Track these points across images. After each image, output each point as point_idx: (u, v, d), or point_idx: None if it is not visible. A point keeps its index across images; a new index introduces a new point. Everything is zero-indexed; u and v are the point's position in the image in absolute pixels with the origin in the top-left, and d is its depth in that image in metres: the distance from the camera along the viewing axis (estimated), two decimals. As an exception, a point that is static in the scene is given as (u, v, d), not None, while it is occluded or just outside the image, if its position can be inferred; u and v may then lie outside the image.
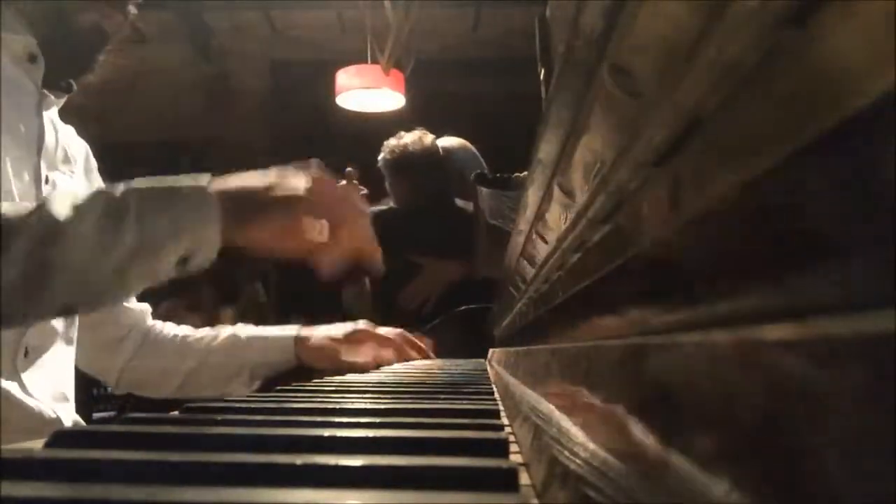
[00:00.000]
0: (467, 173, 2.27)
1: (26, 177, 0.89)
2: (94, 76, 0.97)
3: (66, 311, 0.76)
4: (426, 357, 1.26)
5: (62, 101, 1.00)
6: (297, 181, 0.76)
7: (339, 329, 1.16)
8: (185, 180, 0.72)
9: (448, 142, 2.60)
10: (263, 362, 1.12)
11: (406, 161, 2.53)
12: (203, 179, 0.72)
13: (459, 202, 2.47)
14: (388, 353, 1.19)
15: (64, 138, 1.01)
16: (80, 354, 1.02)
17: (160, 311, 1.20)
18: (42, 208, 0.65)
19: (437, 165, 2.53)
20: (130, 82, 5.04)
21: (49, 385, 0.92)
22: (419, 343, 1.25)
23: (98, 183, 1.09)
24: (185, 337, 1.16)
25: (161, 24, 5.06)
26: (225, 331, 1.15)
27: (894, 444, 0.10)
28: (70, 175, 1.00)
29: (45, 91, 0.95)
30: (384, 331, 1.21)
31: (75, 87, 0.99)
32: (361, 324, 1.20)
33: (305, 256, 0.80)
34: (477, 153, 2.60)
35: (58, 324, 0.94)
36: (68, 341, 0.98)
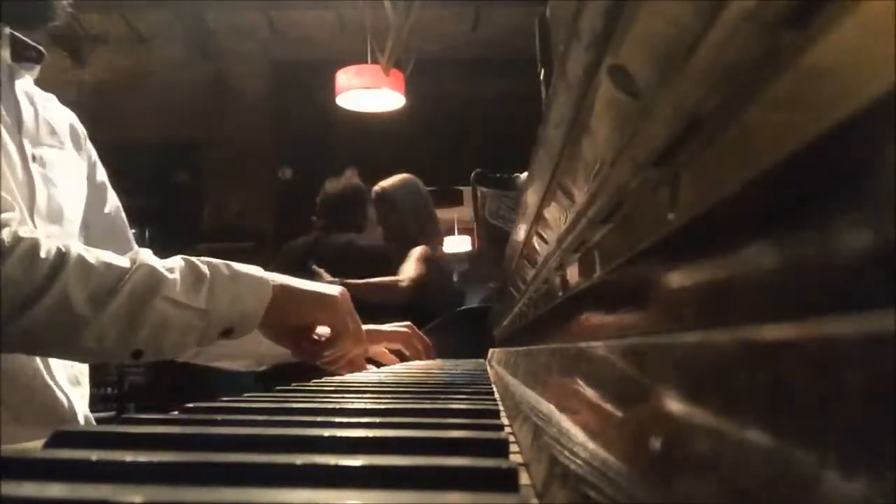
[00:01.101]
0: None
1: (14, 157, 0.87)
2: (61, 22, 0.93)
3: (136, 356, 0.82)
4: (428, 357, 1.25)
5: (35, 70, 0.96)
6: (331, 290, 0.94)
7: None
8: (248, 268, 0.86)
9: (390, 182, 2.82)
10: (270, 354, 1.13)
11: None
12: (260, 270, 0.87)
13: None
14: (395, 346, 1.20)
15: (45, 111, 0.98)
16: None
17: None
18: (143, 264, 0.78)
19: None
20: (130, 82, 5.04)
21: (62, 366, 0.92)
22: (425, 339, 1.25)
23: (90, 152, 1.07)
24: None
25: (161, 24, 5.06)
26: None
27: None
28: (59, 147, 0.98)
29: (14, 64, 0.91)
30: (390, 327, 1.22)
31: (45, 54, 0.95)
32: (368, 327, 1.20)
33: (312, 355, 0.96)
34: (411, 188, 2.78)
35: None
36: None
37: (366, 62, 4.20)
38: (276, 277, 0.88)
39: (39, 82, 1.00)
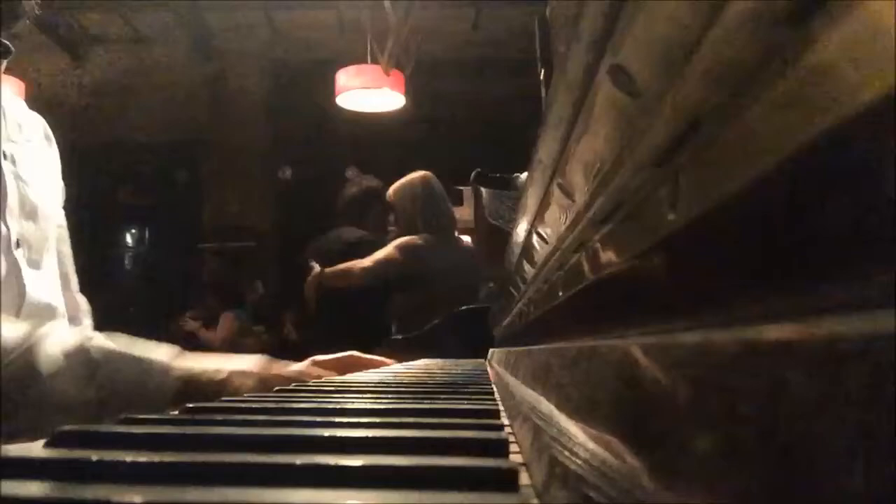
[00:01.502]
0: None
1: None
2: (30, 20, 0.91)
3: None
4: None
5: (2, 66, 0.93)
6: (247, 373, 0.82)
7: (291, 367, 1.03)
8: (154, 352, 0.79)
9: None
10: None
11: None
12: (171, 354, 0.80)
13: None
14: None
15: (12, 111, 0.96)
16: None
17: (175, 327, 1.16)
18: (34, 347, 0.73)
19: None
20: (130, 82, 5.04)
21: None
22: (373, 359, 1.10)
23: (55, 153, 1.06)
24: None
25: (161, 24, 5.06)
26: None
27: None
28: (25, 143, 0.96)
29: None
30: (325, 359, 1.04)
31: (12, 48, 0.92)
32: (306, 362, 1.05)
33: None
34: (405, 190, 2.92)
35: (60, 307, 0.94)
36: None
37: (366, 62, 4.20)
38: (185, 364, 0.81)
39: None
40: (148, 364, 0.78)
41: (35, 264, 0.91)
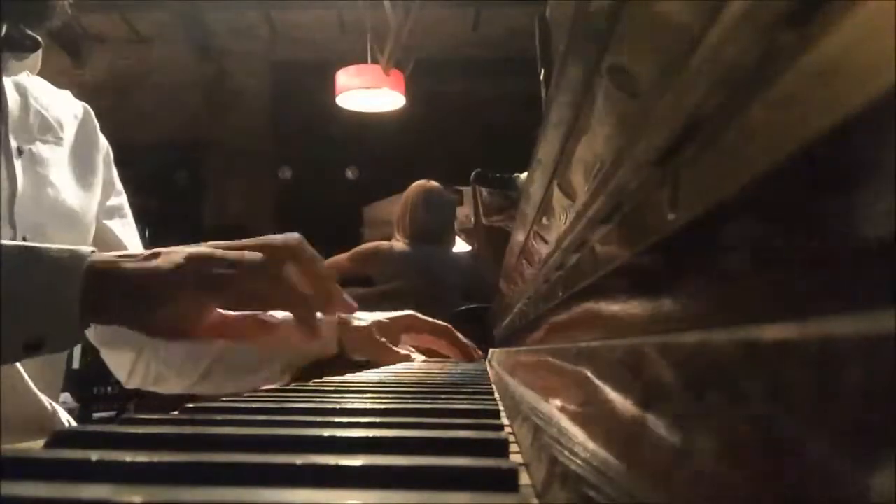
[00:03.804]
0: None
1: None
2: (58, 21, 0.90)
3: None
4: (471, 357, 1.11)
5: (34, 61, 0.92)
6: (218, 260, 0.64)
7: (384, 316, 1.03)
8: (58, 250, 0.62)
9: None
10: (299, 351, 0.98)
11: None
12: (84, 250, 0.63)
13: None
14: (439, 345, 1.09)
15: (40, 104, 0.93)
16: (97, 343, 0.96)
17: None
18: None
19: None
20: (130, 82, 5.04)
21: (40, 374, 0.90)
22: (468, 342, 1.12)
23: (101, 146, 1.01)
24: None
25: (161, 24, 5.06)
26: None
27: None
28: (55, 143, 0.92)
29: (7, 53, 0.87)
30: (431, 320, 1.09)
31: (41, 41, 0.89)
32: (407, 311, 1.07)
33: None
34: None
35: None
36: None
37: (366, 62, 4.20)
38: (104, 256, 0.63)
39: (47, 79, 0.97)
40: (47, 252, 0.61)
41: None
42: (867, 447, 0.11)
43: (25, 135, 0.89)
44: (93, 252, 0.63)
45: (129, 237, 1.03)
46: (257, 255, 0.67)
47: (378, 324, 1.01)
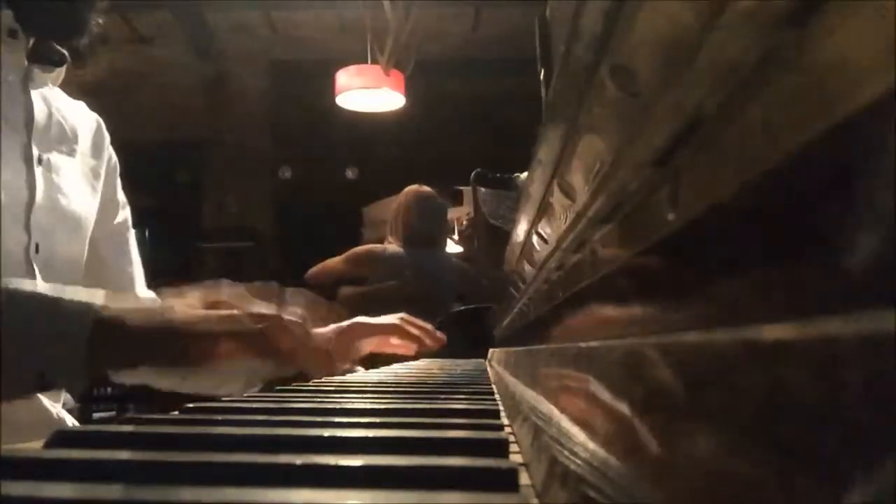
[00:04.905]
0: None
1: (14, 159, 0.85)
2: (88, 40, 0.92)
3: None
4: (434, 339, 1.14)
5: (58, 74, 0.94)
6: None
7: (329, 330, 1.05)
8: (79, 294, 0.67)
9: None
10: (260, 369, 1.06)
11: None
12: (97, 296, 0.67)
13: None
14: (389, 343, 1.11)
15: (61, 114, 0.96)
16: None
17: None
18: None
19: None
20: (130, 82, 5.04)
21: None
22: (422, 324, 1.14)
23: (109, 159, 1.04)
24: None
25: (161, 24, 5.06)
26: None
27: None
28: (69, 155, 0.95)
29: (34, 66, 0.89)
30: (381, 319, 1.12)
31: (69, 57, 0.92)
32: (358, 318, 1.10)
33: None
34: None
35: None
36: None
37: (366, 62, 4.20)
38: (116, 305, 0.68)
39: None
40: (60, 302, 0.65)
41: (54, 274, 0.89)
42: (867, 447, 0.11)
43: (45, 144, 0.91)
44: (104, 305, 0.67)
45: (131, 251, 1.08)
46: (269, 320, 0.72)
47: (337, 331, 1.05)
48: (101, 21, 0.91)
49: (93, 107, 1.05)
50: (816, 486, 0.12)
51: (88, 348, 0.64)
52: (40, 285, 0.70)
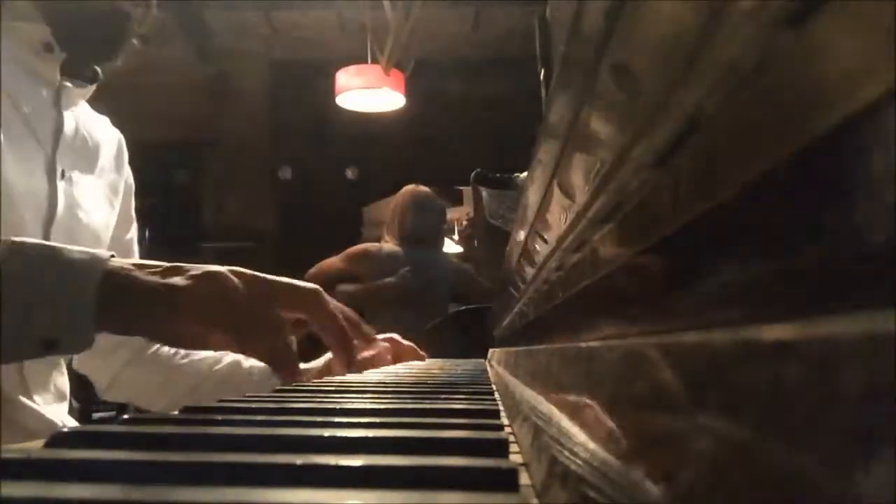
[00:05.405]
0: None
1: (37, 171, 0.86)
2: (121, 62, 0.94)
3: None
4: (419, 357, 1.15)
5: (88, 90, 0.96)
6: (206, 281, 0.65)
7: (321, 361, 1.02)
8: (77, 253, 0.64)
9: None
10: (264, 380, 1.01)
11: None
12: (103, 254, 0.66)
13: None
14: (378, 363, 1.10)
15: (87, 130, 0.97)
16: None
17: None
18: None
19: None
20: (130, 82, 5.03)
21: (42, 383, 0.91)
22: (412, 346, 1.14)
23: (127, 176, 1.06)
24: (186, 355, 1.05)
25: (161, 24, 5.06)
26: (228, 357, 1.04)
27: None
28: (90, 172, 0.96)
29: (66, 81, 0.91)
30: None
31: (101, 75, 0.94)
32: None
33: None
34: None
35: None
36: None
37: (366, 62, 4.20)
38: (121, 261, 0.66)
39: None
40: (64, 253, 0.64)
41: None
42: (867, 447, 0.11)
43: (69, 159, 0.92)
44: (112, 257, 0.65)
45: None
46: (270, 286, 0.70)
47: (319, 370, 1.02)
48: (136, 42, 0.92)
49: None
50: (816, 485, 0.12)
51: (97, 303, 0.61)
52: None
